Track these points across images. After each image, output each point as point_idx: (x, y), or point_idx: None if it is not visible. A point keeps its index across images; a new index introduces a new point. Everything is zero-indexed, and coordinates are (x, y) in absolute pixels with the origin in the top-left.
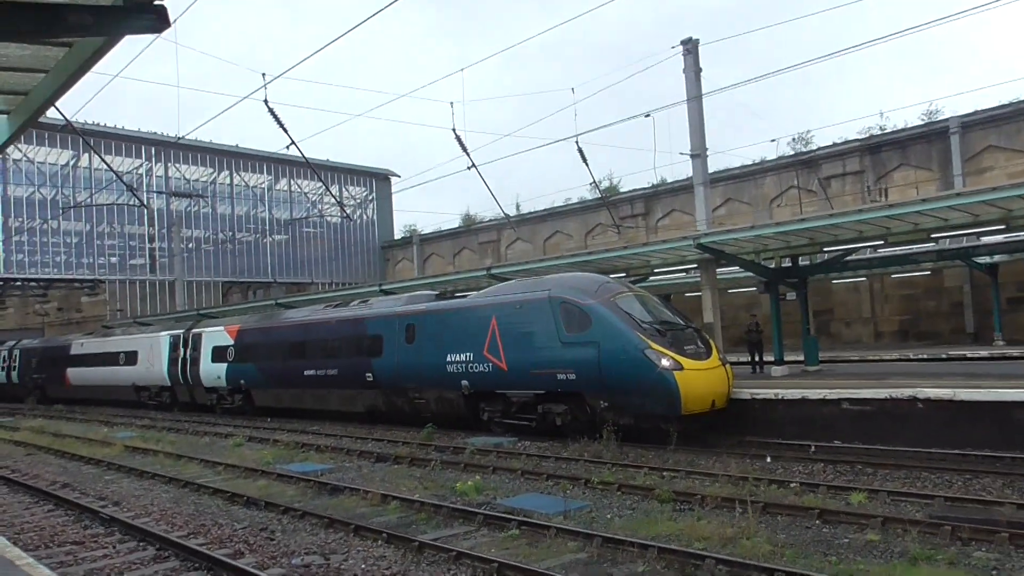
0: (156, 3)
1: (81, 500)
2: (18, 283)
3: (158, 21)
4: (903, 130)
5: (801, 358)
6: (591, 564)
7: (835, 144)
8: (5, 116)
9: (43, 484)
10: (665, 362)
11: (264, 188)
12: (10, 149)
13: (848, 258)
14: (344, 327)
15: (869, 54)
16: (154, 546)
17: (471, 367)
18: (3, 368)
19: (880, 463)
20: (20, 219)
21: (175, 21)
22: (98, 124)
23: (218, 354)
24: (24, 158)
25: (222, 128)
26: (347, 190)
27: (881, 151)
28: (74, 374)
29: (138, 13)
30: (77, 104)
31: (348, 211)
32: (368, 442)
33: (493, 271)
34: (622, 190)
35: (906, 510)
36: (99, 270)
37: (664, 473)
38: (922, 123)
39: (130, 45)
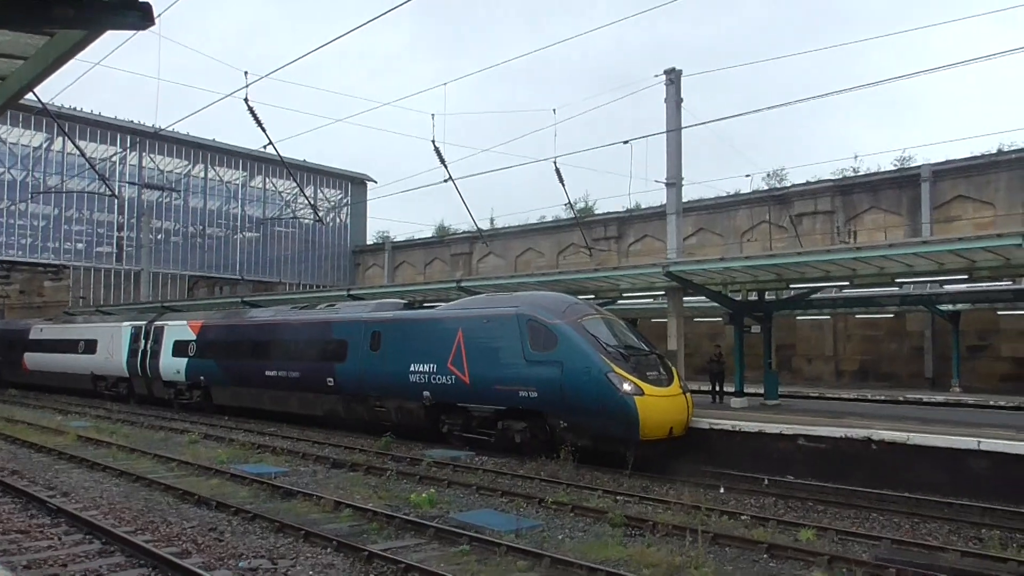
0: (142, 0)
1: (29, 488)
2: None
3: (142, 18)
4: (875, 174)
5: (761, 391)
6: None
7: (808, 183)
8: None
9: None
10: (627, 386)
11: (238, 184)
12: None
13: (814, 296)
14: (309, 330)
15: (847, 97)
16: (100, 540)
17: (434, 378)
18: None
19: (831, 501)
20: None
21: (160, 15)
22: (74, 109)
23: (179, 348)
24: None
25: (201, 122)
26: (322, 192)
27: (853, 193)
28: (31, 359)
29: (123, 9)
30: (55, 89)
31: (321, 213)
32: (325, 447)
33: (463, 284)
34: (596, 212)
35: (853, 550)
36: (64, 255)
37: (618, 497)
38: (894, 168)
39: (113, 35)
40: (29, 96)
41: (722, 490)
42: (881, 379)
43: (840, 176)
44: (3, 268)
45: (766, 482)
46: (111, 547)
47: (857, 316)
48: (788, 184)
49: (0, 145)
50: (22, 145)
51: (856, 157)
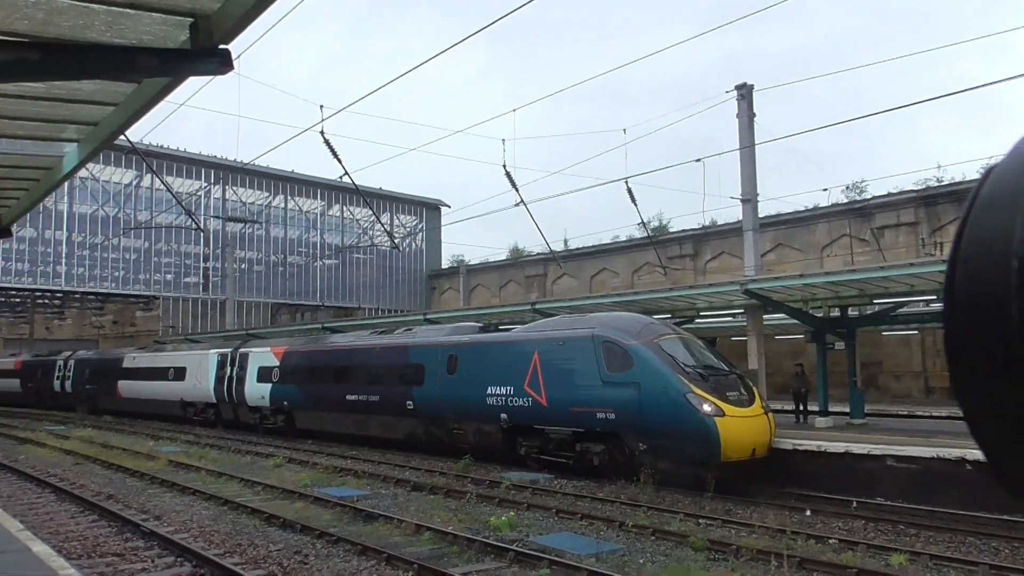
0: (221, 47)
1: (124, 512)
2: (77, 296)
3: (222, 64)
4: (960, 183)
5: (846, 409)
6: None
7: (890, 194)
8: (76, 144)
9: (89, 494)
10: (706, 407)
11: (317, 213)
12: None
13: (899, 311)
14: (387, 354)
15: (929, 105)
16: (191, 562)
17: (511, 401)
18: (57, 378)
19: (924, 524)
20: (83, 235)
21: (238, 57)
22: (161, 147)
23: (263, 374)
24: (90, 177)
25: (280, 155)
26: (398, 218)
27: (937, 203)
28: (125, 387)
29: (204, 56)
30: (144, 129)
31: (397, 239)
32: (406, 470)
33: (538, 306)
34: (671, 230)
35: (948, 575)
36: (154, 286)
37: (700, 520)
38: (980, 176)
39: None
40: (120, 137)
41: (808, 513)
42: None
43: (923, 186)
44: (98, 300)
45: (854, 504)
46: (201, 569)
47: None
48: (868, 196)
49: (94, 183)
50: (114, 183)
51: (939, 166)
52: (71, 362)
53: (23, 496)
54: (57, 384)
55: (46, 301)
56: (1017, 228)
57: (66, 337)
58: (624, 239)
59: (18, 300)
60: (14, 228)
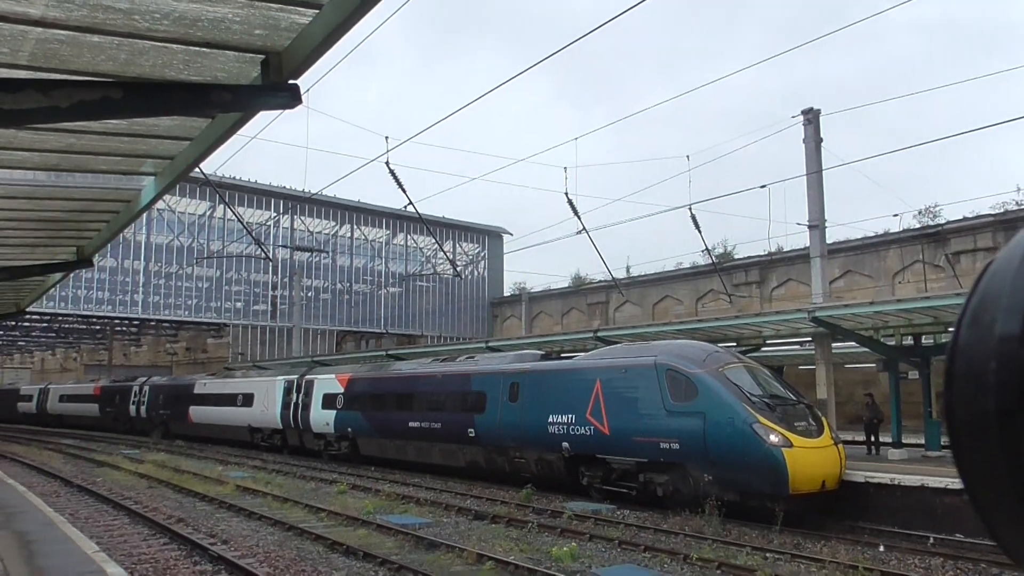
0: (290, 83)
1: (193, 536)
2: (153, 324)
3: (291, 98)
4: None
5: (921, 441)
6: None
7: (966, 218)
8: (153, 177)
9: (160, 517)
10: (774, 438)
11: (382, 242)
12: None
13: None
14: (449, 382)
15: (1006, 127)
16: None
17: (573, 429)
18: (133, 402)
19: (1007, 563)
20: (159, 264)
21: (307, 91)
22: (234, 178)
23: (328, 401)
24: (166, 208)
25: (347, 185)
26: (460, 246)
27: (1017, 227)
28: (196, 412)
29: (273, 91)
30: (217, 162)
31: (460, 267)
32: (467, 499)
33: (600, 334)
34: (736, 257)
35: None
36: (224, 314)
37: (768, 554)
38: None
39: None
40: (194, 170)
41: (882, 548)
42: None
43: (1002, 210)
44: (172, 327)
45: (931, 541)
46: None
47: None
48: (943, 221)
49: (170, 215)
50: (188, 214)
51: (1019, 189)
52: (146, 388)
53: (100, 518)
54: (133, 409)
55: (124, 328)
56: (998, 322)
57: (142, 363)
58: (688, 266)
59: (98, 327)
60: (95, 259)
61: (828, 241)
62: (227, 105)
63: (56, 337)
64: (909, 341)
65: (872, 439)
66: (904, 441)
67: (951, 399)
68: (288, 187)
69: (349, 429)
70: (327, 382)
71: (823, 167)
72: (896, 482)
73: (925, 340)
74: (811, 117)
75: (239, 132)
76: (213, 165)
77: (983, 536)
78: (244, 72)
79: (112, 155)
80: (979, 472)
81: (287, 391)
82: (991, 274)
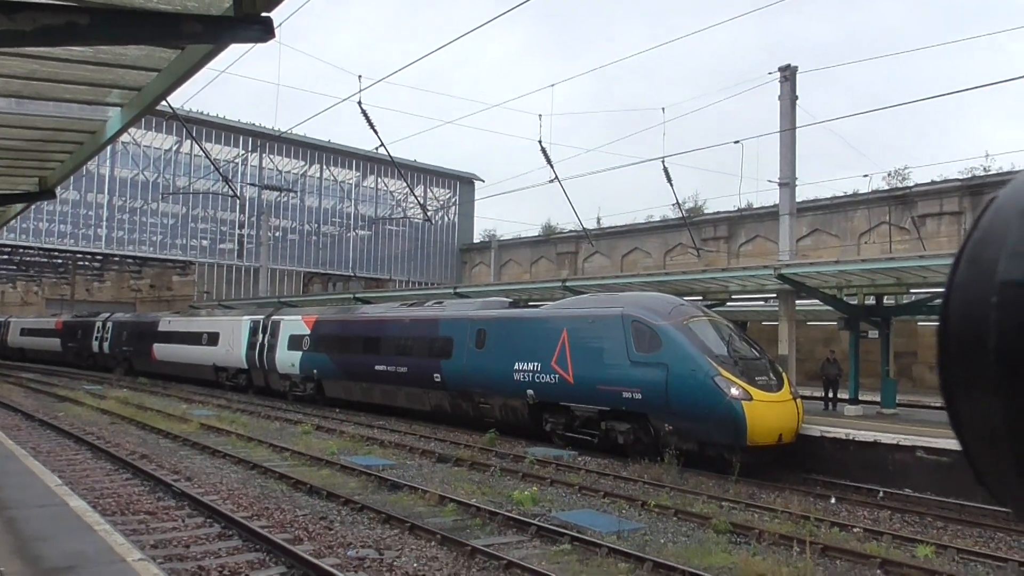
0: (263, 15)
1: (157, 472)
2: (116, 259)
3: (263, 32)
4: (1008, 173)
5: (877, 399)
6: None
7: (934, 182)
8: (119, 109)
9: (123, 453)
10: (734, 391)
11: (352, 184)
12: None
13: (937, 301)
14: (417, 327)
15: (977, 93)
16: (220, 524)
17: (538, 377)
18: (96, 338)
19: (952, 518)
20: (123, 199)
21: (280, 25)
22: (201, 113)
23: (294, 342)
24: (131, 141)
25: (317, 125)
26: (431, 191)
27: (983, 193)
28: (160, 350)
29: (245, 24)
30: (184, 96)
31: (430, 212)
32: (431, 441)
33: (568, 283)
34: (706, 212)
35: (976, 571)
36: (190, 252)
37: (723, 503)
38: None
39: (238, 45)
40: (161, 103)
41: (833, 500)
42: None
43: (969, 175)
44: (136, 263)
45: (881, 494)
46: (229, 531)
47: None
48: (911, 184)
49: (135, 148)
50: (154, 148)
51: (987, 156)
52: (109, 324)
53: (62, 452)
54: (95, 345)
55: (86, 263)
56: (1000, 264)
57: (105, 299)
58: (658, 219)
59: (60, 261)
60: (58, 190)
61: (798, 199)
62: (197, 36)
63: (17, 270)
64: (871, 301)
65: (830, 395)
66: (861, 398)
67: (946, 338)
68: (257, 124)
69: (315, 371)
70: (293, 323)
71: (797, 125)
72: (851, 437)
73: (887, 300)
74: (788, 74)
75: (208, 65)
76: (180, 99)
77: (930, 492)
78: (215, 2)
79: (77, 84)
80: (974, 420)
81: (253, 331)
82: (994, 210)
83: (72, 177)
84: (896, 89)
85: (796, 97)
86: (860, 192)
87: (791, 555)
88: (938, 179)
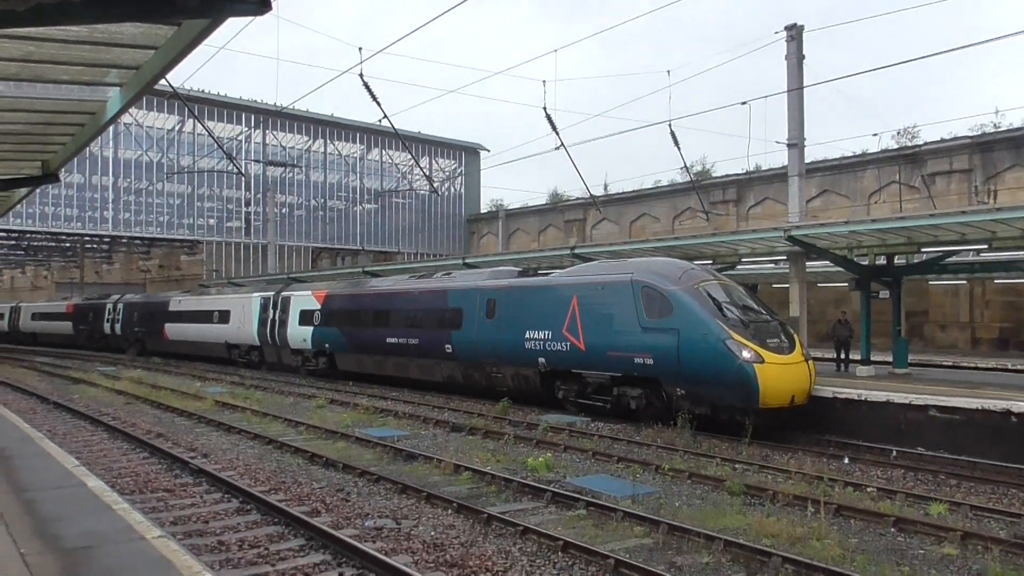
0: None
1: (173, 450)
2: (124, 240)
3: (260, 4)
4: (1019, 129)
5: (889, 359)
6: (656, 551)
7: (943, 140)
8: (118, 89)
9: (140, 433)
10: (746, 354)
11: (356, 158)
12: (122, 115)
13: (948, 260)
14: (427, 298)
15: (988, 48)
16: (238, 499)
17: (549, 345)
18: (107, 320)
19: (965, 475)
20: (128, 180)
21: None
22: (203, 91)
23: (305, 318)
24: (134, 122)
25: (320, 99)
26: (436, 162)
27: (993, 150)
28: (172, 329)
29: None
30: (184, 75)
31: (436, 183)
32: (444, 412)
33: (577, 251)
34: (714, 175)
35: (989, 527)
36: (198, 231)
37: (736, 465)
38: None
39: (235, 20)
40: (162, 82)
41: (847, 461)
42: (1023, 348)
43: (979, 132)
44: (144, 244)
45: (894, 454)
46: (248, 506)
47: (996, 281)
48: (920, 142)
49: (138, 129)
50: (157, 128)
51: (997, 112)
52: (120, 305)
53: (78, 434)
54: (107, 327)
55: (94, 246)
56: None
57: (114, 281)
58: (666, 184)
59: (68, 245)
60: (62, 174)
61: (807, 160)
62: (193, 11)
63: (25, 255)
64: (882, 261)
65: (842, 356)
66: (873, 359)
67: None
68: (259, 101)
69: (327, 345)
70: (304, 299)
71: (804, 85)
72: (863, 397)
73: (898, 260)
74: (794, 33)
75: (206, 41)
76: (180, 77)
77: (943, 450)
78: None
79: (75, 64)
80: None
81: (264, 308)
82: None
83: (76, 160)
84: (905, 46)
85: (803, 56)
86: (869, 152)
87: (805, 515)
88: (948, 137)
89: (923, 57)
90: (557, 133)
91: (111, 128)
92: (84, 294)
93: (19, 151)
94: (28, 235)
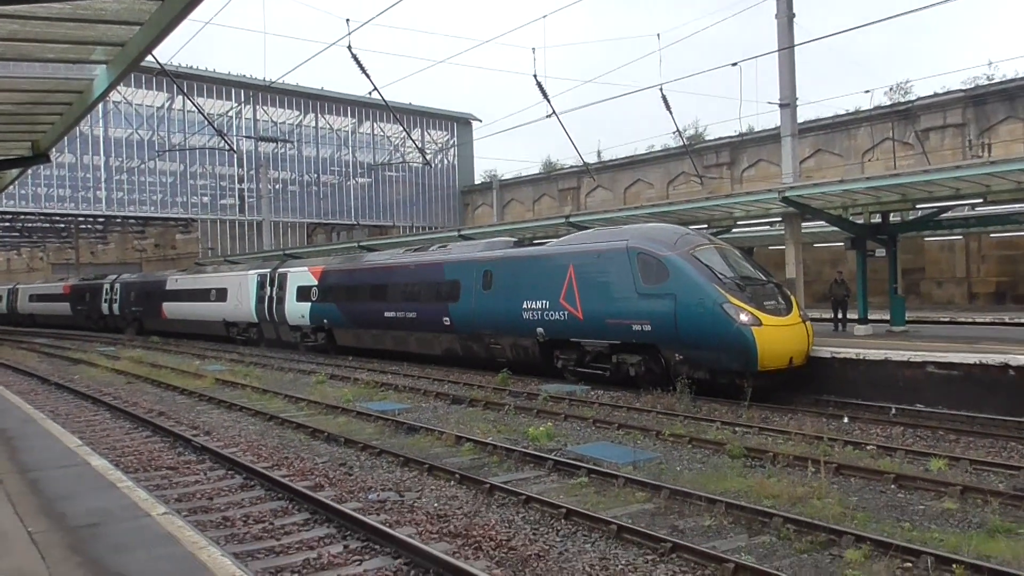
0: None
1: (175, 428)
2: (119, 220)
3: None
4: (1012, 80)
5: (886, 317)
6: (658, 515)
7: (936, 94)
8: (104, 66)
9: (141, 412)
10: (743, 317)
11: (348, 131)
12: (110, 93)
13: (943, 216)
14: (423, 271)
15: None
16: (241, 475)
17: (547, 315)
18: (105, 300)
19: (964, 430)
20: (120, 159)
21: None
22: (191, 67)
23: (302, 294)
24: (123, 100)
25: (309, 73)
26: (429, 134)
27: (987, 103)
28: (169, 308)
29: None
30: (172, 49)
31: (429, 155)
32: (444, 384)
33: (572, 219)
34: (707, 138)
35: (988, 480)
36: (192, 209)
37: (736, 428)
38: None
39: None
40: (149, 59)
41: (846, 420)
42: (1020, 301)
43: (972, 85)
44: (138, 224)
45: (893, 411)
46: (251, 481)
47: (992, 235)
48: (913, 98)
49: (127, 107)
50: (147, 106)
51: (991, 64)
52: (117, 285)
53: (80, 414)
54: (105, 307)
55: (89, 226)
56: None
57: (110, 261)
58: (659, 149)
59: (62, 225)
60: (53, 154)
61: (799, 120)
62: None
63: (20, 236)
64: (877, 219)
65: (839, 316)
66: (870, 318)
67: None
68: (248, 76)
69: (325, 321)
70: (300, 275)
71: (795, 43)
72: (861, 356)
73: (893, 218)
74: None
75: (192, 16)
76: (167, 54)
77: (942, 406)
78: None
79: (60, 42)
80: None
81: (261, 285)
82: None
83: (66, 139)
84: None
85: (793, 15)
86: (862, 109)
87: (805, 475)
88: (941, 91)
89: (915, 11)
90: (548, 101)
91: (100, 106)
92: (80, 275)
93: (8, 131)
94: (22, 216)
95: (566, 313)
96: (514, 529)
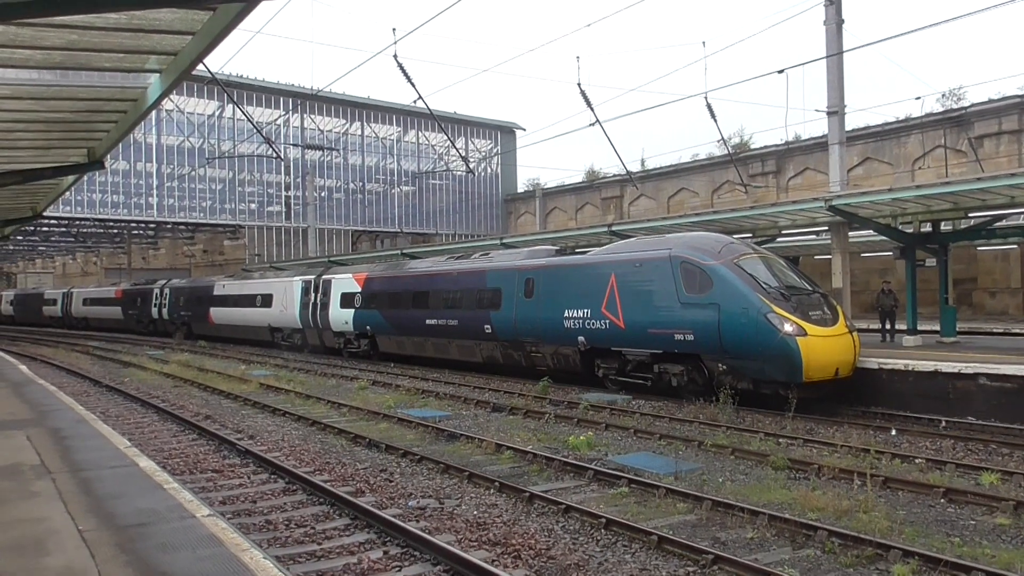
0: None
1: (220, 432)
2: (169, 226)
3: None
4: None
5: (936, 328)
6: (699, 527)
7: (991, 100)
8: (158, 75)
9: (188, 415)
10: (788, 327)
11: (393, 140)
12: (163, 101)
13: (997, 224)
14: (465, 279)
15: None
16: (284, 479)
17: (588, 324)
18: (155, 305)
19: (1017, 444)
20: (171, 166)
21: None
22: (241, 76)
23: (346, 300)
24: (175, 108)
25: (356, 82)
26: (472, 143)
27: None
28: (216, 313)
29: None
30: (223, 59)
31: (473, 164)
32: (485, 392)
33: (614, 228)
34: (753, 147)
35: None
36: (240, 216)
37: (780, 440)
38: None
39: (269, 5)
40: (200, 68)
41: (894, 432)
42: None
43: None
44: (188, 230)
45: (943, 424)
46: (293, 486)
47: None
48: (967, 104)
49: (179, 115)
50: (197, 114)
51: None
52: (167, 290)
53: (130, 416)
54: (155, 311)
55: (141, 232)
56: None
57: (161, 266)
58: (703, 157)
59: (115, 231)
60: (107, 160)
61: (847, 128)
62: None
63: (75, 241)
64: (927, 228)
65: (887, 327)
66: (920, 328)
67: None
68: (296, 85)
69: (368, 327)
70: (344, 281)
71: (844, 50)
72: (910, 368)
73: (944, 227)
74: None
75: (241, 26)
76: (218, 63)
77: (994, 419)
78: None
79: (115, 52)
80: None
81: (305, 291)
82: None
83: (120, 146)
84: (947, 3)
85: (842, 21)
86: (913, 116)
87: (852, 488)
88: (995, 97)
89: (967, 15)
90: (592, 109)
91: (153, 114)
92: (132, 279)
93: (65, 139)
94: (77, 222)
95: (608, 322)
96: (554, 538)
